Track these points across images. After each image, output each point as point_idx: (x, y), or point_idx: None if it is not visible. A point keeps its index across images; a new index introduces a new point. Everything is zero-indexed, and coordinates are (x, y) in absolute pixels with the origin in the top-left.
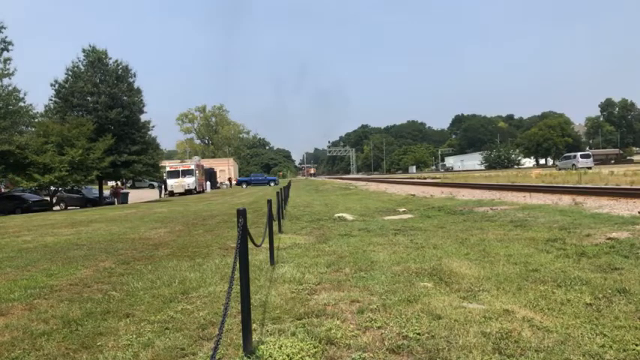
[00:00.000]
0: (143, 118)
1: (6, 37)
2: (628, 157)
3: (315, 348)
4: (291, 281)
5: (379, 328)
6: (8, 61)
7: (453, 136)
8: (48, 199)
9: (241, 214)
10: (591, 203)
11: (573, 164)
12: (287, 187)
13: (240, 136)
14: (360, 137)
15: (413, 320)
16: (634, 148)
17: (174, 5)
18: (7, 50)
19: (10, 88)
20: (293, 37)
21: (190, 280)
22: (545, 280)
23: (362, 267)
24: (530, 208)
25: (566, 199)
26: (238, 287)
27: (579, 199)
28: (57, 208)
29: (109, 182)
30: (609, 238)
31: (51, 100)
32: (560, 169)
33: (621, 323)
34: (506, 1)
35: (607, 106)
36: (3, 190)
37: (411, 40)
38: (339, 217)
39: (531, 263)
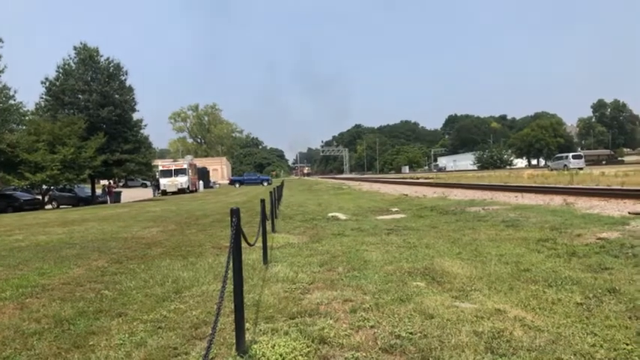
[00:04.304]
0: (135, 116)
1: None
2: (619, 158)
3: (308, 347)
4: (285, 280)
5: (372, 327)
6: None
7: (446, 136)
8: (40, 197)
9: (234, 213)
10: (582, 204)
11: (565, 165)
12: (280, 187)
13: (233, 135)
14: (353, 137)
15: (405, 320)
16: (625, 149)
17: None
18: None
19: (0, 85)
20: (286, 38)
21: (183, 280)
22: (536, 280)
23: (355, 266)
24: (522, 208)
25: (557, 200)
26: (231, 286)
27: (570, 199)
28: (49, 206)
29: (101, 181)
30: (600, 238)
31: (42, 97)
32: (552, 170)
33: (612, 322)
34: (500, 3)
35: (599, 107)
36: None
37: (404, 40)
38: (332, 216)
39: (523, 263)
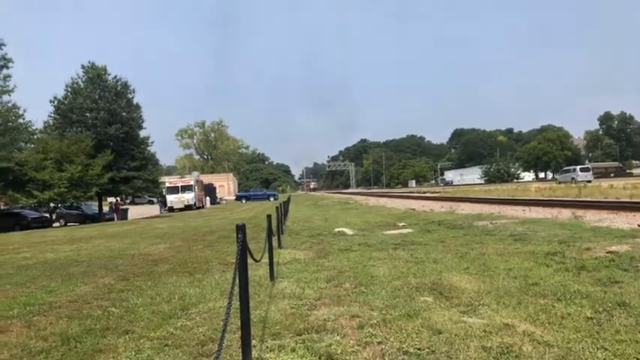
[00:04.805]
0: (142, 133)
1: (6, 54)
2: (627, 171)
3: None
4: (291, 297)
5: (379, 343)
6: (8, 78)
7: (452, 150)
8: (47, 215)
9: (240, 229)
10: (591, 217)
11: (573, 178)
12: (286, 202)
13: (240, 151)
14: (359, 151)
15: (413, 335)
16: (633, 162)
17: (169, 18)
18: (7, 67)
19: (10, 104)
20: (292, 53)
21: (190, 296)
22: (545, 294)
23: (362, 282)
24: (530, 222)
25: (565, 213)
26: (238, 303)
27: (579, 212)
28: (56, 224)
29: (108, 198)
30: (609, 252)
31: (50, 116)
32: (559, 183)
33: (622, 337)
34: (505, 16)
35: (606, 119)
36: (2, 207)
37: (409, 54)
38: (338, 231)
39: (531, 277)
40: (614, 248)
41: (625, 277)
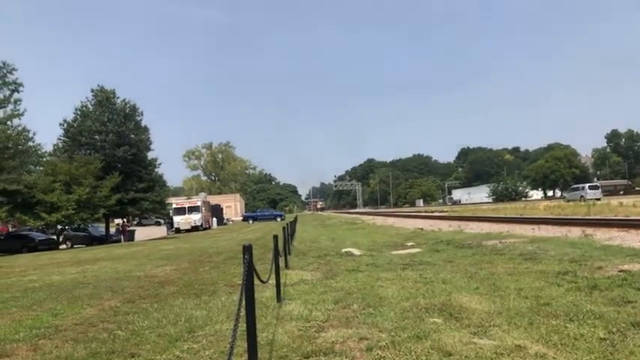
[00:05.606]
0: (150, 155)
1: (17, 78)
2: (637, 188)
3: None
4: (299, 318)
5: None
6: (18, 102)
7: (459, 169)
8: (54, 237)
9: (247, 250)
10: (601, 235)
11: (582, 196)
12: (293, 222)
13: (247, 172)
14: (366, 171)
15: (423, 357)
16: None
17: (176, 37)
18: (18, 91)
19: (20, 128)
20: (298, 72)
21: (196, 319)
22: (557, 314)
23: (370, 303)
24: (540, 241)
25: (575, 231)
26: (245, 325)
27: (589, 230)
28: (63, 246)
29: (115, 220)
30: (621, 271)
31: (59, 139)
32: (568, 201)
33: (637, 358)
34: (507, 35)
35: (613, 137)
36: (10, 229)
37: (414, 74)
38: (346, 252)
39: (542, 297)
40: (626, 267)
41: (638, 297)
